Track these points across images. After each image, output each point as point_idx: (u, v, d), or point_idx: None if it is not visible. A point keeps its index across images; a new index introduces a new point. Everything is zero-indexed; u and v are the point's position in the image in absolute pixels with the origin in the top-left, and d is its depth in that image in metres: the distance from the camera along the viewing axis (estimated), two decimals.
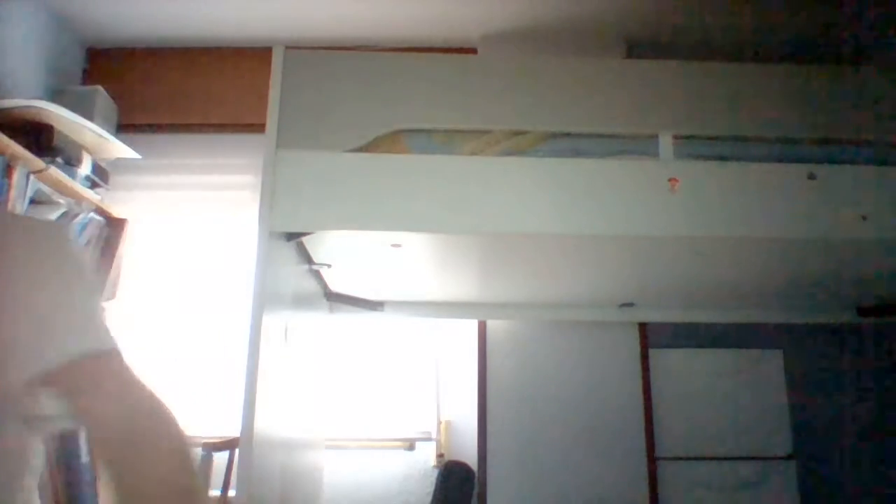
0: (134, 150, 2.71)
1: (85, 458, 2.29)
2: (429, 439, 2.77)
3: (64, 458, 2.24)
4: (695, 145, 1.85)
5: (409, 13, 2.81)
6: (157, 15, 2.84)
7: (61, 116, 2.32)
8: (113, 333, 0.72)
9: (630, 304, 2.76)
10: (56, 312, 0.68)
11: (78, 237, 2.51)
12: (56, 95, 2.61)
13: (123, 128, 2.86)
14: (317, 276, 2.34)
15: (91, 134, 2.50)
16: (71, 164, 2.45)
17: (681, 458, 2.73)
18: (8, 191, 2.18)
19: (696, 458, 2.73)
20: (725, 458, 2.73)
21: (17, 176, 2.19)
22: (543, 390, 2.78)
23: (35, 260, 0.71)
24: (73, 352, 0.67)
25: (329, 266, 2.21)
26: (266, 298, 1.67)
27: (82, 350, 0.67)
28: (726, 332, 2.85)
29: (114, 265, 2.65)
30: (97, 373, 0.68)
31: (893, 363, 2.83)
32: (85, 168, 2.54)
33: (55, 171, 2.33)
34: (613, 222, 1.76)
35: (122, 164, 2.81)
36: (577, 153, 1.82)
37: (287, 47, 1.88)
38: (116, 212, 2.74)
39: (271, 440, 1.75)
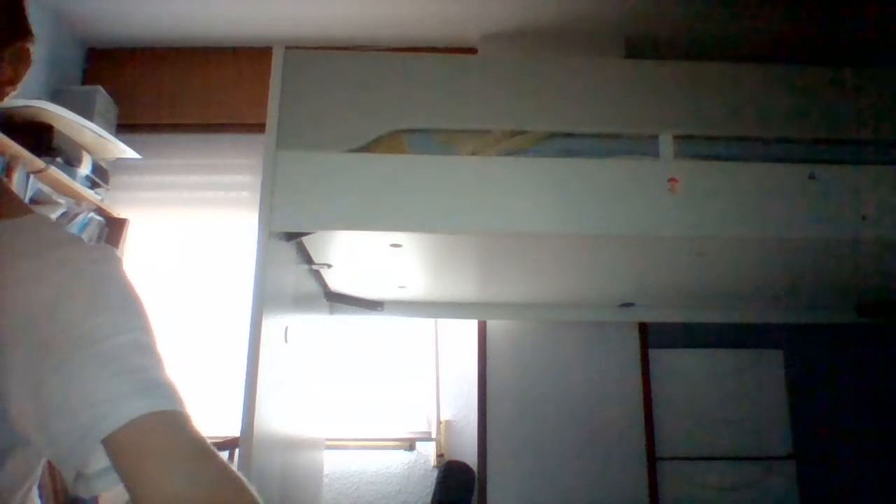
0: (134, 150, 2.71)
1: None
2: (429, 439, 2.77)
3: None
4: (695, 145, 1.85)
5: (409, 13, 2.81)
6: (157, 15, 2.84)
7: (61, 116, 2.32)
8: (179, 389, 0.61)
9: (630, 304, 2.76)
10: (115, 358, 0.58)
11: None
12: (56, 95, 2.61)
13: (123, 128, 2.86)
14: (317, 276, 2.34)
15: (91, 134, 2.50)
16: (71, 164, 2.45)
17: (681, 458, 2.73)
18: None
19: (696, 458, 2.73)
20: (725, 458, 2.73)
21: (17, 176, 2.19)
22: (543, 390, 2.78)
23: (96, 293, 0.61)
24: (138, 409, 0.56)
25: (329, 266, 2.21)
26: (266, 298, 1.67)
27: (148, 408, 0.56)
28: (726, 332, 2.84)
29: None
30: (164, 436, 0.57)
31: (893, 363, 2.83)
32: (85, 168, 2.54)
33: (55, 171, 2.33)
34: (613, 222, 1.76)
35: (122, 164, 2.81)
36: (577, 153, 1.82)
37: (287, 47, 1.87)
38: (116, 212, 2.74)
39: (271, 440, 1.75)
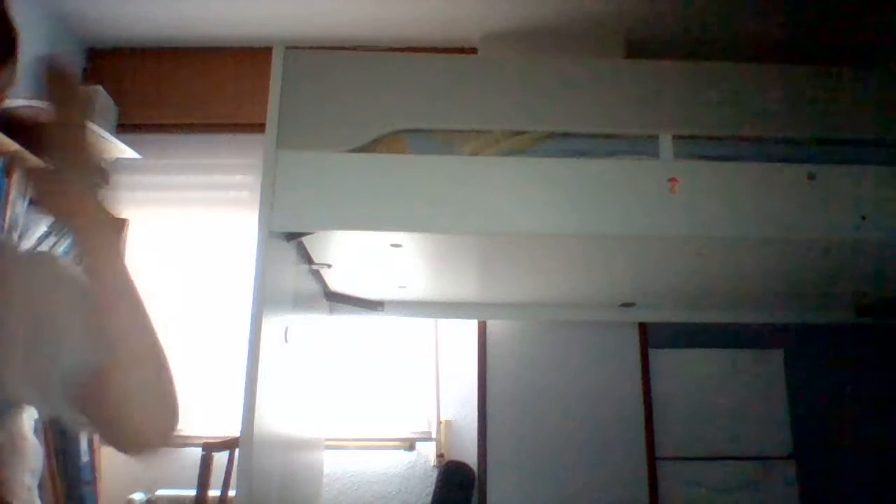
0: (134, 150, 2.71)
1: (85, 458, 2.29)
2: (429, 439, 2.77)
3: (64, 459, 2.24)
4: (695, 145, 1.85)
5: (409, 13, 2.81)
6: (157, 15, 2.84)
7: None
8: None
9: (630, 304, 2.76)
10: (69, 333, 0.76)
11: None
12: None
13: (123, 128, 2.86)
14: (317, 276, 2.34)
15: (91, 134, 2.50)
16: None
17: (681, 458, 2.73)
18: (8, 191, 2.18)
19: (696, 458, 2.73)
20: (725, 458, 2.73)
21: (17, 176, 2.19)
22: (543, 390, 2.78)
23: (44, 290, 0.80)
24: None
25: (329, 266, 2.21)
26: (266, 298, 1.67)
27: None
28: (726, 332, 2.85)
29: None
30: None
31: (893, 363, 2.83)
32: None
33: None
34: (613, 222, 1.76)
35: (121, 164, 2.81)
36: (577, 153, 1.82)
37: (287, 47, 1.87)
38: (116, 212, 2.74)
39: (271, 440, 1.75)
